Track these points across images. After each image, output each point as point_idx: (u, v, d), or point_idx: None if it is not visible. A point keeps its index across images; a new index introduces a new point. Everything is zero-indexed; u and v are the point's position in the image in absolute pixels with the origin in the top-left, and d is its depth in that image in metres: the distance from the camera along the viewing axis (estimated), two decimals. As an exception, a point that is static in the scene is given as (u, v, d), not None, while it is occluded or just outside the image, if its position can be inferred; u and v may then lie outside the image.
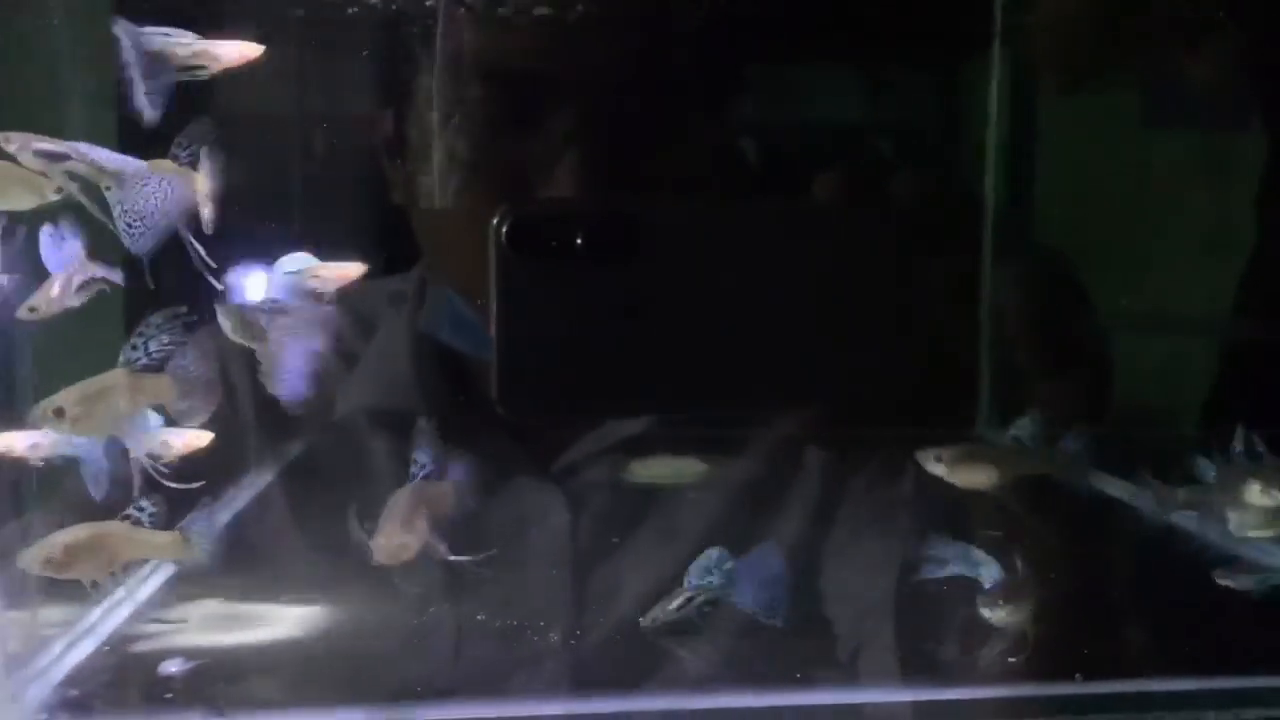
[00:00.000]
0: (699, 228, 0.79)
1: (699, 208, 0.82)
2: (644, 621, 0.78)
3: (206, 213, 0.68)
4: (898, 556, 0.86)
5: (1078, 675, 0.77)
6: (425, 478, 0.75)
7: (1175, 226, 0.95)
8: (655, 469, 0.92)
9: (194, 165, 0.68)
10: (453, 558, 0.75)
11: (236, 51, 0.69)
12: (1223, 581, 0.80)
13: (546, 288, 0.78)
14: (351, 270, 0.73)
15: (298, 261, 0.71)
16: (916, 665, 0.83)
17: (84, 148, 0.65)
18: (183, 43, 0.67)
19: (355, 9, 0.80)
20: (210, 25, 0.76)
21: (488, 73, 0.82)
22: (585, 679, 0.84)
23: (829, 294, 0.81)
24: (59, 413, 0.65)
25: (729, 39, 0.86)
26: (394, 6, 0.81)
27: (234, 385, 0.87)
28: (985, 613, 0.77)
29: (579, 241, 0.78)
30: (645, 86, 0.85)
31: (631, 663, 0.85)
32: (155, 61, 0.66)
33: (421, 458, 0.75)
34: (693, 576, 0.78)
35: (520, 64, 0.83)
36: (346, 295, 0.90)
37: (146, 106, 0.66)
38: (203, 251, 0.69)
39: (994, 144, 0.95)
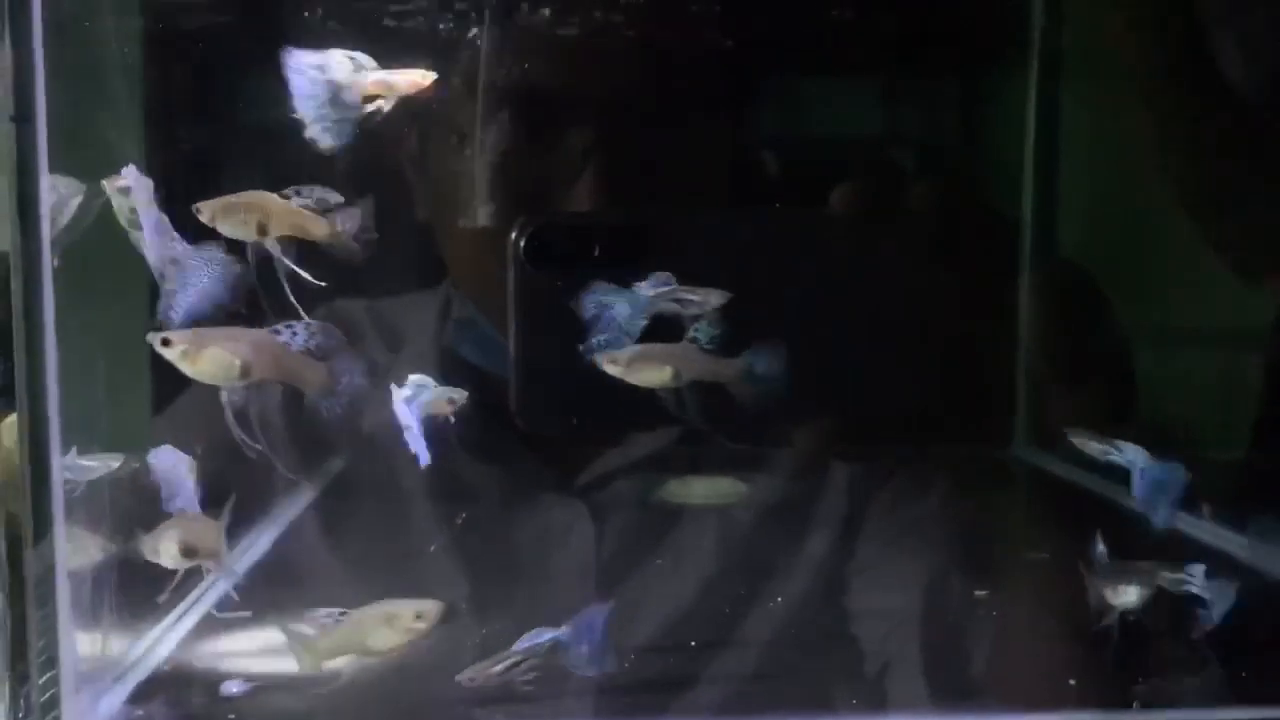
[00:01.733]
0: (716, 241, 0.79)
1: (715, 221, 0.82)
2: (461, 678, 0.74)
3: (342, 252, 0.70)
4: (925, 574, 0.85)
5: (1135, 704, 0.75)
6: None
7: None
8: (694, 489, 0.91)
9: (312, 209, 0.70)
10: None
11: (409, 81, 0.69)
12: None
13: (564, 301, 0.78)
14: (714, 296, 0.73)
15: (660, 281, 0.72)
16: (947, 686, 0.82)
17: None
18: (365, 71, 0.68)
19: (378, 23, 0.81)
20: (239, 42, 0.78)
21: (508, 91, 0.83)
22: (610, 697, 0.83)
23: (852, 307, 0.81)
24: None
25: (747, 53, 0.86)
26: (418, 25, 0.82)
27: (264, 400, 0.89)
28: (1113, 600, 0.74)
29: (596, 254, 0.78)
30: (662, 101, 0.85)
31: (657, 682, 0.85)
32: (340, 91, 0.67)
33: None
34: (521, 642, 0.74)
35: (539, 82, 0.84)
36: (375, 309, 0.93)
37: (326, 137, 0.67)
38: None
39: (1030, 156, 0.94)
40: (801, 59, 0.89)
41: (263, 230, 0.68)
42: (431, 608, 0.72)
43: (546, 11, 0.82)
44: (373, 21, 0.81)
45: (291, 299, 0.70)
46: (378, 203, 0.71)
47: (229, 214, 0.68)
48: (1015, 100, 0.94)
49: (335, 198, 0.69)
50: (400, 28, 0.81)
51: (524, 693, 0.78)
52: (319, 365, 0.71)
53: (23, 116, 0.61)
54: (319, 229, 0.70)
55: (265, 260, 0.70)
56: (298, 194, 0.69)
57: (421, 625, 0.72)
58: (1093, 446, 0.75)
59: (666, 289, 0.71)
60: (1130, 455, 0.74)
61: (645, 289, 0.71)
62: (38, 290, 0.62)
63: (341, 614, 0.72)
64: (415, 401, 0.72)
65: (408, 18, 0.81)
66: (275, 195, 0.69)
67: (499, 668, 0.73)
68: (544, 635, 0.73)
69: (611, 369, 0.73)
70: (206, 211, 0.67)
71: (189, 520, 0.71)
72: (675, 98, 0.86)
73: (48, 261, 0.62)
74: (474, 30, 0.82)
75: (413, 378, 0.72)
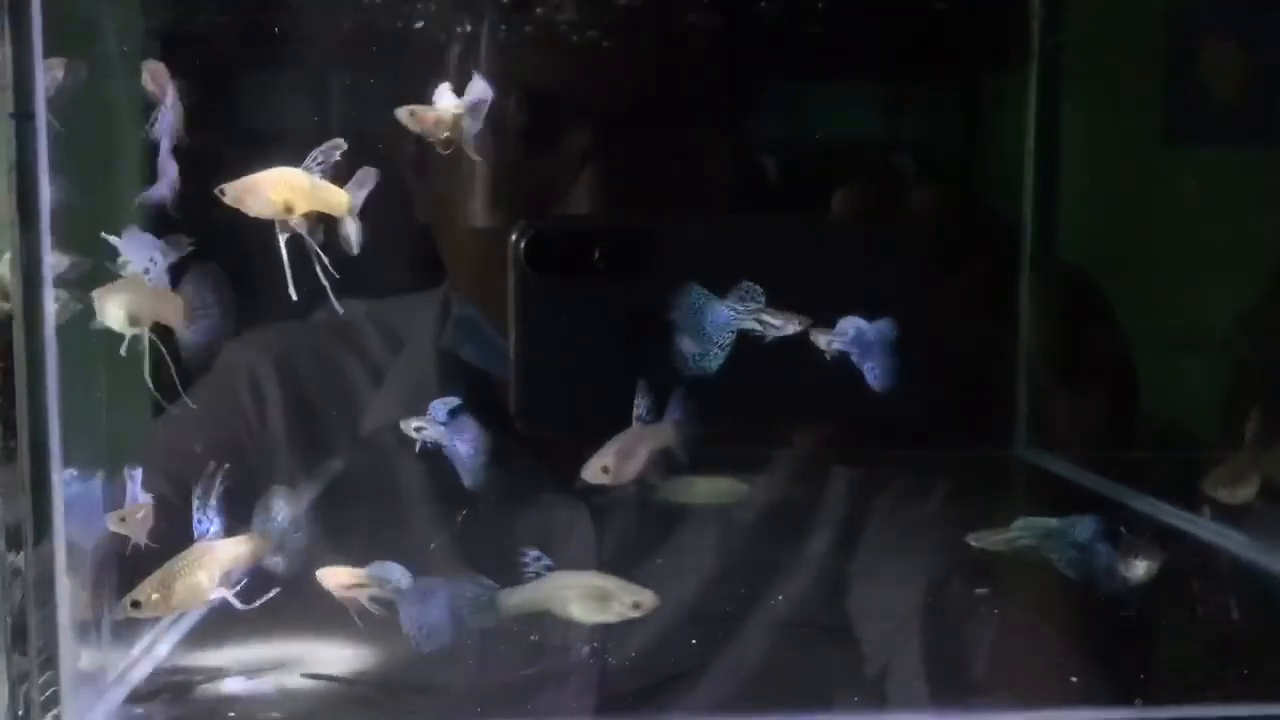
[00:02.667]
0: (716, 244, 0.79)
1: (716, 224, 0.82)
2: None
3: (350, 228, 0.69)
4: (925, 574, 0.85)
5: (1138, 700, 0.75)
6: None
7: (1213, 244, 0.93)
8: (695, 490, 0.91)
9: (327, 176, 0.68)
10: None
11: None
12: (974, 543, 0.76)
13: (564, 302, 0.78)
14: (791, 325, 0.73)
15: (747, 295, 0.72)
16: (947, 685, 0.82)
17: None
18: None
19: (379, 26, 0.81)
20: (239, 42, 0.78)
21: (508, 93, 0.83)
22: (610, 697, 0.83)
23: (854, 311, 0.80)
24: (136, 605, 0.66)
25: (747, 57, 0.86)
26: (418, 25, 0.83)
27: (264, 400, 0.89)
28: (1125, 573, 0.74)
29: (596, 257, 0.78)
30: (663, 104, 0.85)
31: (658, 680, 0.85)
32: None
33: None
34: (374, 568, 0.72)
35: (540, 84, 0.84)
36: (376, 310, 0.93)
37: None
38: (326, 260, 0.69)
39: (1030, 162, 0.94)
40: (802, 64, 0.89)
41: (289, 208, 0.67)
42: (649, 599, 0.70)
43: (547, 15, 0.83)
44: (373, 25, 0.81)
45: (323, 280, 0.69)
46: (379, 206, 0.71)
47: (254, 193, 0.66)
48: (1016, 105, 0.94)
49: (341, 147, 0.68)
50: (400, 31, 0.82)
51: (525, 690, 0.79)
52: (174, 297, 0.68)
53: (23, 113, 0.61)
54: (342, 201, 0.68)
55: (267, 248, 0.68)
56: (315, 161, 0.68)
57: (634, 614, 0.70)
58: (820, 340, 0.74)
59: (755, 306, 0.71)
60: (843, 326, 0.74)
61: (734, 302, 0.71)
62: (38, 291, 0.62)
63: (550, 566, 0.70)
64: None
65: (409, 21, 0.82)
66: (299, 170, 0.67)
67: (347, 580, 0.71)
68: (393, 572, 0.71)
69: (606, 479, 0.73)
70: (230, 193, 0.65)
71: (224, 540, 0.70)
72: (676, 101, 0.86)
73: (48, 262, 0.62)
74: (474, 34, 0.82)
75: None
